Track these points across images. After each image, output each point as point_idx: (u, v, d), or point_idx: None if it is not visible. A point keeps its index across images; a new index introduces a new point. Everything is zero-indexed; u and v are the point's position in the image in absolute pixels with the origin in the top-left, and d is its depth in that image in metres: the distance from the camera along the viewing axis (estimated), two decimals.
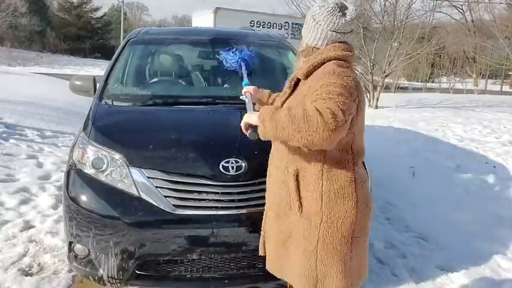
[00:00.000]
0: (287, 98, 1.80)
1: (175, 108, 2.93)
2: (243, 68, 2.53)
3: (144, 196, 2.26)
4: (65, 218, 2.39)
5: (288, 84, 1.80)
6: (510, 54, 17.61)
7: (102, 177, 2.34)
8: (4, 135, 5.64)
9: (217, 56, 2.51)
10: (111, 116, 2.83)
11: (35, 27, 32.05)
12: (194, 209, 2.26)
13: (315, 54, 1.68)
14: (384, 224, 3.69)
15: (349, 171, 1.66)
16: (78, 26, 38.70)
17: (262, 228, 1.97)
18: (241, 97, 2.25)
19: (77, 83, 3.26)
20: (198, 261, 2.33)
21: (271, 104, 2.13)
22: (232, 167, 2.28)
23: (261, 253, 1.98)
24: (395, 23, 13.09)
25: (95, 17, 42.75)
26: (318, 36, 1.67)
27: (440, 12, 17.31)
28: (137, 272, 2.30)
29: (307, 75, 1.69)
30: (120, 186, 2.30)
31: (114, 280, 2.29)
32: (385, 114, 10.99)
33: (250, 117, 1.69)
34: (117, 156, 2.36)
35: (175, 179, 2.27)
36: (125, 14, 38.05)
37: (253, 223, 2.28)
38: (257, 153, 2.35)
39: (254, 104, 2.16)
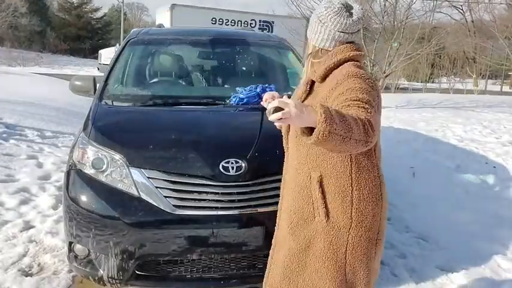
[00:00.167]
0: (303, 101, 1.74)
1: (175, 109, 2.93)
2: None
3: (144, 196, 2.26)
4: (65, 218, 2.39)
5: (303, 88, 1.75)
6: (510, 54, 17.62)
7: (102, 178, 2.34)
8: (4, 135, 5.64)
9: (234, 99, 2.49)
10: (111, 116, 2.83)
11: (35, 27, 32.07)
12: (194, 209, 2.26)
13: (328, 56, 1.66)
14: None
15: (375, 175, 1.65)
16: (78, 26, 38.71)
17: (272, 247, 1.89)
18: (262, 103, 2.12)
19: (77, 83, 3.26)
20: (198, 262, 2.33)
21: None
22: (232, 167, 2.28)
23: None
24: (395, 23, 13.09)
25: (95, 17, 42.78)
26: (326, 38, 1.65)
27: (440, 12, 17.30)
28: (137, 272, 2.30)
29: (324, 78, 1.67)
30: (120, 186, 2.30)
31: (114, 280, 2.29)
32: (385, 114, 10.94)
33: (305, 112, 1.28)
34: (117, 156, 2.36)
35: (175, 179, 2.27)
36: (125, 14, 38.00)
37: (253, 223, 2.29)
38: (257, 154, 2.36)
39: None
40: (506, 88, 29.44)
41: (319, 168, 1.63)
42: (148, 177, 2.28)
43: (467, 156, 6.33)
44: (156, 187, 2.26)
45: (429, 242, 3.40)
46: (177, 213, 2.24)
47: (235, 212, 2.27)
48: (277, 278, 1.77)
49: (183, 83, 3.60)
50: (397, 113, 10.96)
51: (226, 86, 3.61)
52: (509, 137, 7.75)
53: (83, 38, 39.07)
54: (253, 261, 2.39)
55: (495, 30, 18.50)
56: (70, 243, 2.38)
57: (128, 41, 3.63)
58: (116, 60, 3.42)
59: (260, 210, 2.29)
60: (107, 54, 19.18)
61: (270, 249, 2.33)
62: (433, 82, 28.09)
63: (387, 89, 18.14)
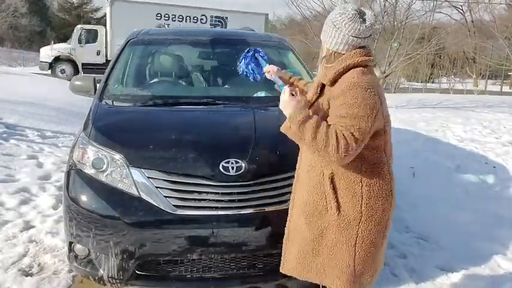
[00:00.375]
0: (314, 103, 1.88)
1: (175, 109, 2.93)
2: (260, 60, 2.38)
3: (144, 196, 2.26)
4: (65, 218, 2.39)
5: (313, 91, 1.88)
6: (510, 54, 17.63)
7: (102, 178, 2.34)
8: (4, 135, 5.65)
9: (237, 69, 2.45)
10: (112, 117, 2.83)
11: (35, 27, 32.09)
12: (194, 209, 2.26)
13: (339, 60, 1.77)
14: None
15: (385, 172, 1.77)
16: None
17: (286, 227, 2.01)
18: (267, 75, 2.28)
19: (77, 83, 3.27)
20: (198, 262, 2.33)
21: (292, 84, 2.26)
22: (233, 167, 2.29)
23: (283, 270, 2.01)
24: (395, 23, 13.11)
25: (95, 17, 42.69)
26: (340, 41, 1.75)
27: (440, 12, 17.35)
28: (137, 272, 2.30)
29: (333, 82, 1.77)
30: (120, 186, 2.30)
31: (114, 280, 2.29)
32: None
33: (285, 107, 1.75)
34: (117, 156, 2.36)
35: (175, 179, 2.28)
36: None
37: (253, 223, 2.29)
38: (257, 154, 2.36)
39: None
40: (506, 88, 29.45)
41: (331, 166, 1.74)
42: (149, 177, 2.28)
43: (467, 156, 6.33)
44: (156, 187, 2.26)
45: (429, 242, 3.40)
46: (177, 213, 2.24)
47: (235, 212, 2.28)
48: (293, 263, 1.93)
49: (183, 83, 3.60)
50: (397, 113, 10.97)
51: (226, 86, 3.61)
52: (509, 137, 7.75)
53: None
54: (253, 261, 2.39)
55: (495, 31, 18.52)
56: (70, 243, 2.38)
57: (128, 41, 3.63)
58: (116, 60, 3.43)
59: (260, 210, 2.30)
60: (44, 52, 18.52)
61: (270, 248, 2.36)
62: (433, 82, 28.13)
63: (387, 89, 18.15)
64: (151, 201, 2.25)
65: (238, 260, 2.37)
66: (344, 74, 1.74)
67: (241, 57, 2.40)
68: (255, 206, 2.29)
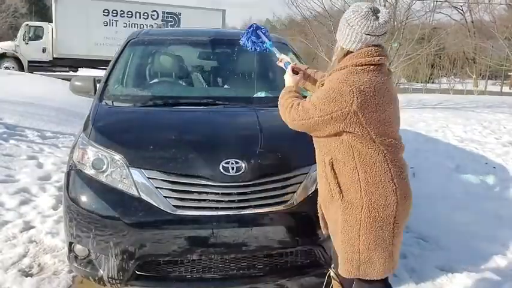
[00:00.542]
0: None
1: (175, 109, 2.93)
2: (262, 36, 2.48)
3: (144, 197, 2.26)
4: (65, 219, 2.39)
5: (317, 84, 2.01)
6: (510, 55, 17.64)
7: (102, 178, 2.34)
8: (4, 135, 5.64)
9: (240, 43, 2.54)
10: (112, 117, 2.83)
11: None
12: (194, 209, 2.26)
13: (346, 58, 1.79)
14: None
15: (381, 161, 1.75)
16: None
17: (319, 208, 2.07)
18: (278, 63, 2.37)
19: (77, 83, 3.26)
20: (198, 262, 2.33)
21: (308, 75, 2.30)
22: (232, 168, 2.29)
23: (324, 232, 2.08)
24: (395, 23, 13.09)
25: None
26: (353, 40, 1.75)
27: (440, 13, 17.34)
28: (137, 272, 2.30)
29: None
30: (120, 186, 2.30)
31: (114, 280, 2.29)
32: None
33: (286, 80, 2.13)
34: (117, 156, 2.36)
35: (175, 180, 2.28)
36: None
37: (253, 223, 2.29)
38: (257, 154, 2.36)
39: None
40: (506, 88, 29.44)
41: (330, 153, 1.82)
42: (149, 178, 2.28)
43: (467, 156, 6.33)
44: (156, 187, 2.27)
45: (429, 242, 3.40)
46: (177, 213, 2.24)
47: (235, 212, 2.28)
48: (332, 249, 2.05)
49: (183, 84, 3.60)
50: None
51: (226, 86, 3.62)
52: (509, 138, 7.75)
53: None
54: (253, 261, 2.39)
55: (495, 31, 18.53)
56: (70, 244, 2.38)
57: (128, 41, 3.63)
58: (116, 60, 3.43)
59: (260, 210, 2.30)
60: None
61: (270, 249, 2.37)
62: (433, 82, 28.11)
63: None
64: (151, 201, 2.25)
65: (238, 261, 2.37)
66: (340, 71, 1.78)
67: (244, 32, 2.51)
68: (255, 207, 2.29)
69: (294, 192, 2.35)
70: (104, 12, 16.61)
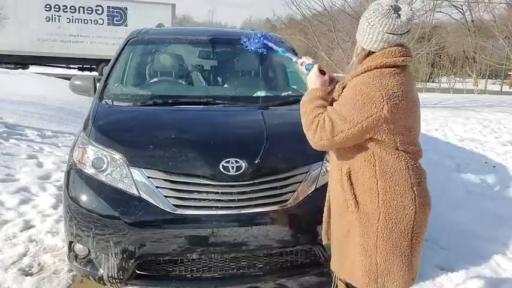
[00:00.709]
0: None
1: (175, 108, 2.93)
2: (270, 44, 2.37)
3: (144, 196, 2.26)
4: (65, 218, 2.39)
5: (339, 90, 1.79)
6: (510, 54, 17.62)
7: (102, 177, 2.34)
8: (4, 135, 5.65)
9: (241, 43, 2.50)
10: (112, 116, 2.83)
11: None
12: (194, 209, 2.26)
13: (368, 59, 1.68)
14: None
15: (402, 169, 1.68)
16: None
17: (324, 221, 1.99)
18: (299, 67, 2.06)
19: (77, 83, 3.26)
20: (198, 261, 2.34)
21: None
22: (233, 167, 2.29)
23: (324, 242, 2.03)
24: None
25: None
26: (374, 39, 1.65)
27: (441, 12, 17.35)
28: (137, 271, 2.31)
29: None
30: (120, 186, 2.30)
31: (114, 280, 2.30)
32: None
33: (310, 82, 1.84)
34: (117, 156, 2.36)
35: (175, 179, 2.28)
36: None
37: (253, 223, 2.29)
38: (257, 153, 2.36)
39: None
40: (506, 88, 29.45)
41: (348, 162, 1.74)
42: (149, 177, 2.28)
43: (467, 155, 6.33)
44: (157, 187, 2.27)
45: (429, 241, 3.40)
46: (177, 212, 2.24)
47: (235, 211, 2.28)
48: (334, 262, 1.94)
49: (183, 83, 3.60)
50: None
51: (226, 85, 3.62)
52: (509, 137, 7.75)
53: None
54: (253, 260, 2.39)
55: (495, 30, 18.51)
56: (70, 243, 2.38)
57: (128, 40, 3.64)
58: (116, 59, 3.43)
59: (260, 209, 2.30)
60: None
61: (270, 248, 2.37)
62: (433, 82, 28.11)
63: None
64: (151, 200, 2.25)
65: (238, 260, 2.37)
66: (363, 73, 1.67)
67: (250, 39, 2.43)
68: (254, 206, 2.29)
69: (293, 191, 2.35)
70: (45, 7, 16.08)
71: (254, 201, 2.29)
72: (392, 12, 1.63)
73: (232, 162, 2.29)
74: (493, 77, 32.06)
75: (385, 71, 1.62)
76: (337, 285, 2.06)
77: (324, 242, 2.02)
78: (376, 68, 1.64)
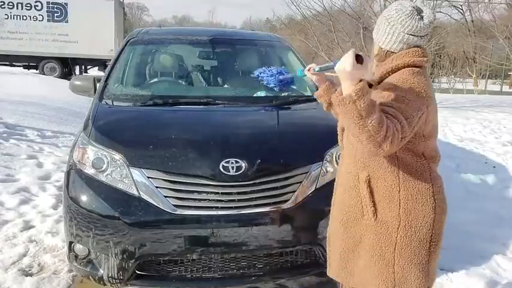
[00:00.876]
0: None
1: (175, 109, 2.93)
2: (286, 77, 2.22)
3: (144, 196, 2.26)
4: (65, 218, 2.39)
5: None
6: (510, 54, 17.63)
7: (102, 178, 2.34)
8: (4, 135, 5.65)
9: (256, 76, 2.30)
10: (112, 116, 2.83)
11: None
12: (194, 209, 2.26)
13: (389, 59, 1.66)
14: None
15: (425, 176, 1.65)
16: None
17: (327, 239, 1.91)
18: (308, 73, 1.83)
19: (77, 83, 3.27)
20: (198, 261, 2.34)
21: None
22: (232, 167, 2.29)
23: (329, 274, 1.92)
24: None
25: None
26: (394, 39, 1.63)
27: (440, 12, 17.33)
28: (137, 272, 2.30)
29: (380, 82, 1.67)
30: (120, 186, 2.30)
31: (114, 280, 2.30)
32: None
33: (349, 75, 1.38)
34: (117, 156, 2.36)
35: (175, 179, 2.28)
36: (125, 14, 37.91)
37: (253, 223, 2.29)
38: (257, 153, 2.36)
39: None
40: (506, 88, 29.45)
41: (367, 168, 1.66)
42: (149, 177, 2.28)
43: (467, 155, 6.33)
44: (156, 187, 2.27)
45: None
46: (177, 213, 2.24)
47: (235, 211, 2.28)
48: (336, 269, 1.85)
49: (183, 83, 3.60)
50: None
51: (226, 86, 3.62)
52: (509, 137, 7.76)
53: None
54: (253, 261, 2.39)
55: (495, 30, 18.52)
56: (70, 243, 2.38)
57: (128, 40, 3.64)
58: (116, 60, 3.43)
59: (260, 210, 2.30)
60: None
61: (270, 248, 2.36)
62: (433, 82, 28.13)
63: None
64: (151, 201, 2.25)
65: (238, 260, 2.37)
66: (393, 73, 1.62)
67: (266, 74, 2.23)
68: (254, 206, 2.29)
69: (293, 191, 2.35)
70: None
71: (254, 202, 2.29)
72: (416, 13, 1.61)
73: (232, 163, 2.29)
74: (493, 77, 32.06)
75: (416, 70, 1.60)
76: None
77: (329, 274, 1.90)
78: (405, 66, 1.61)
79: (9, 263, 2.80)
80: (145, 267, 2.32)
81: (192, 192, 2.27)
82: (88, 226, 2.27)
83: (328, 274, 1.93)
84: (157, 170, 2.29)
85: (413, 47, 1.63)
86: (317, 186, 2.39)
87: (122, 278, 2.29)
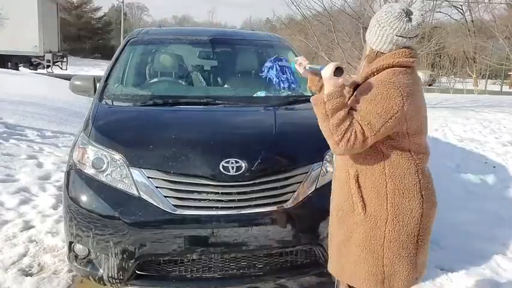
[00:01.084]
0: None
1: (175, 109, 2.93)
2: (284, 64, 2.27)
3: (144, 196, 2.26)
4: (65, 218, 2.39)
5: (348, 90, 1.80)
6: (510, 54, 17.63)
7: (102, 178, 2.34)
8: (4, 135, 5.65)
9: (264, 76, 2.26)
10: (111, 116, 2.83)
11: None
12: (194, 209, 2.26)
13: (377, 60, 1.72)
14: None
15: (412, 172, 1.70)
16: (79, 26, 38.73)
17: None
18: (297, 67, 2.02)
19: (77, 83, 3.26)
20: (198, 261, 2.33)
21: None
22: (232, 167, 2.28)
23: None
24: None
25: (95, 17, 42.82)
26: (384, 41, 1.69)
27: (440, 12, 17.34)
28: (137, 272, 2.30)
29: (365, 80, 1.73)
30: (120, 186, 2.30)
31: (114, 280, 2.30)
32: None
33: (327, 81, 1.63)
34: (117, 156, 2.36)
35: (175, 179, 2.28)
36: (125, 14, 37.95)
37: (253, 223, 2.29)
38: (257, 154, 2.36)
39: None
40: (506, 88, 29.45)
41: (355, 165, 1.74)
42: (149, 177, 2.28)
43: (467, 155, 6.33)
44: (156, 187, 2.27)
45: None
46: (177, 213, 2.24)
47: (235, 211, 2.28)
48: (333, 264, 1.92)
49: (183, 83, 3.60)
50: None
51: (226, 86, 3.62)
52: (509, 137, 7.75)
53: (83, 38, 39.10)
54: (253, 261, 2.39)
55: (495, 30, 18.51)
56: (70, 243, 2.38)
57: (128, 40, 3.64)
58: (116, 60, 3.43)
59: (260, 210, 2.30)
60: None
61: (270, 248, 2.36)
62: (433, 82, 28.12)
63: None
64: (151, 201, 2.25)
65: (238, 260, 2.37)
66: (378, 73, 1.69)
67: (267, 68, 2.24)
68: (254, 206, 2.29)
69: (293, 191, 2.35)
70: None
71: (254, 202, 2.29)
72: (404, 15, 1.66)
73: (232, 163, 2.29)
74: (493, 77, 32.07)
75: (398, 70, 1.65)
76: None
77: (329, 270, 1.96)
78: (388, 67, 1.67)
79: (9, 263, 2.80)
80: (145, 267, 2.32)
81: (192, 192, 2.27)
82: (88, 226, 2.27)
83: (328, 269, 1.98)
84: (157, 170, 2.29)
85: (403, 48, 1.69)
86: (317, 186, 2.39)
87: (121, 278, 2.29)
